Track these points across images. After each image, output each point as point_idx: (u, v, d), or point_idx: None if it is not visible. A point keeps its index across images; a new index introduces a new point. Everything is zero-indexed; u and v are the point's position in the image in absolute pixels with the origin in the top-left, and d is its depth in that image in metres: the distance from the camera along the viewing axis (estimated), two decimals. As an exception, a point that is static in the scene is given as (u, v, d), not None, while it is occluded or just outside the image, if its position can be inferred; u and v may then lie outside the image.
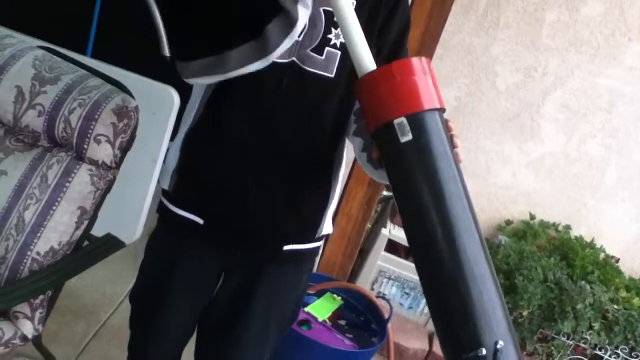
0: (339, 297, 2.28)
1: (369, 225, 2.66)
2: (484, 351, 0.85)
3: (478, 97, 2.98)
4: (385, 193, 2.75)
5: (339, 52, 1.13)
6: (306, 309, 2.14)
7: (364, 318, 2.24)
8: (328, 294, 2.27)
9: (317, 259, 2.58)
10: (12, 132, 1.49)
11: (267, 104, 1.15)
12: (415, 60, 0.94)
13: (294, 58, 1.12)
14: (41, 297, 1.42)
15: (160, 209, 1.31)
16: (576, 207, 3.00)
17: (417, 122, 0.91)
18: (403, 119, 0.90)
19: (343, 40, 1.08)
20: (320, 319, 2.13)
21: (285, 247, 1.27)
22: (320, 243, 1.36)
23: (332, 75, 1.13)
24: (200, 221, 1.24)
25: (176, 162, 1.25)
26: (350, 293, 2.30)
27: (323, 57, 1.12)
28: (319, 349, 2.00)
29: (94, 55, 2.72)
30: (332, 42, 1.13)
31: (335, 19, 1.04)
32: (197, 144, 1.22)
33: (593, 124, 2.91)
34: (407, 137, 0.90)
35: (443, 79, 2.83)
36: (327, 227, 1.33)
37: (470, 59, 2.92)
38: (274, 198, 1.20)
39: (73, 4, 2.76)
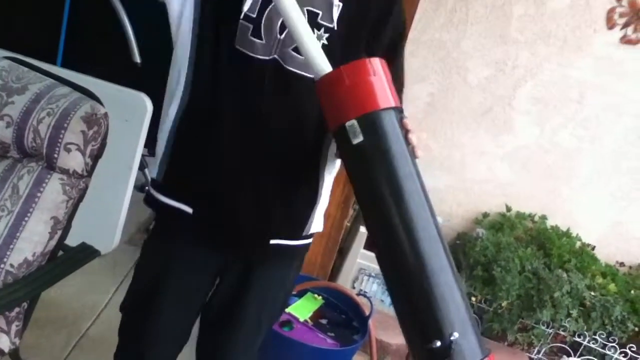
0: (320, 297, 2.29)
1: (347, 224, 2.67)
2: (438, 343, 0.89)
3: (451, 93, 3.01)
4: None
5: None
6: (287, 310, 2.15)
7: (345, 316, 2.25)
8: (309, 293, 2.28)
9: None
10: (-19, 144, 1.47)
11: (252, 103, 1.16)
12: (365, 62, 0.97)
13: (275, 56, 1.13)
14: (17, 309, 1.41)
15: (148, 201, 1.31)
16: (551, 198, 3.05)
17: (368, 123, 0.94)
18: (354, 122, 0.93)
19: (325, 42, 1.11)
20: (301, 319, 2.14)
21: (273, 242, 1.27)
22: (309, 240, 1.36)
23: (312, 75, 1.10)
24: (190, 210, 1.23)
25: (164, 149, 1.25)
26: (331, 292, 2.31)
27: (302, 55, 1.10)
28: (301, 349, 2.01)
29: (64, 65, 2.70)
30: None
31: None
32: (188, 134, 1.22)
33: (565, 114, 2.96)
34: (359, 138, 0.93)
35: (415, 76, 2.85)
36: (316, 225, 1.33)
37: (442, 54, 2.96)
38: (261, 193, 1.22)
39: (41, 14, 2.73)
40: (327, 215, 2.46)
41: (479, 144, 3.07)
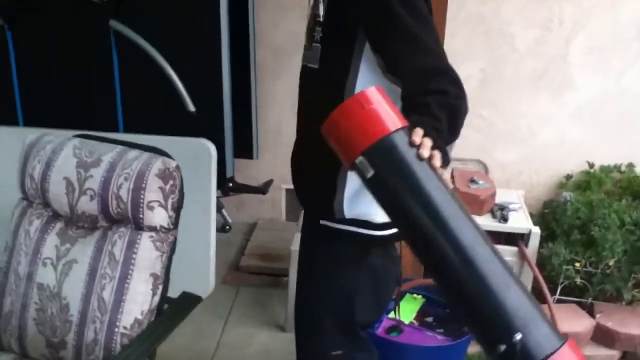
0: (419, 296, 2.26)
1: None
2: (502, 347, 0.86)
3: (502, 64, 2.94)
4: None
5: (319, 45, 1.29)
6: (390, 315, 2.13)
7: (449, 310, 2.21)
8: (407, 295, 2.26)
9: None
10: (72, 221, 1.56)
11: (299, 98, 1.43)
12: (353, 100, 0.95)
13: (306, 61, 1.35)
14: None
15: None
16: (632, 144, 2.90)
17: (374, 154, 0.92)
18: (361, 158, 0.92)
19: (320, 35, 1.28)
20: (407, 322, 2.12)
21: (322, 222, 1.41)
22: (354, 228, 1.38)
23: (317, 67, 1.30)
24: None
25: None
26: (429, 289, 2.27)
27: (311, 52, 1.31)
28: (414, 352, 1.99)
29: (127, 130, 2.84)
30: (315, 38, 1.29)
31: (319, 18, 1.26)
32: None
33: (626, 56, 2.82)
34: (370, 172, 0.93)
35: (461, 55, 2.80)
36: (352, 209, 1.36)
37: (484, 28, 2.90)
38: (298, 171, 1.46)
39: (95, 87, 2.88)
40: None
41: (542, 109, 2.97)
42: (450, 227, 0.91)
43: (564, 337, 0.90)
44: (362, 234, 1.39)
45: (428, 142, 0.94)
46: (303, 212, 1.59)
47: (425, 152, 0.93)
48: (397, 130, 0.94)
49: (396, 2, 1.15)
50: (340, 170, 1.33)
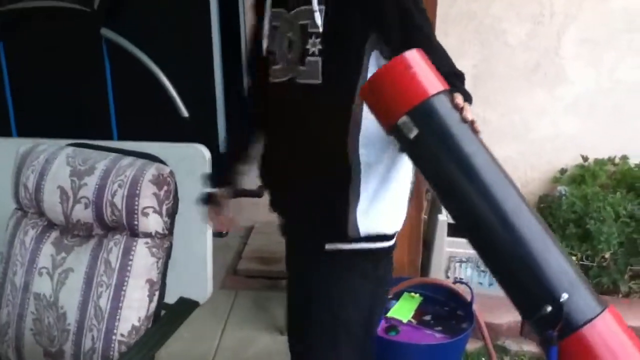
0: (417, 294, 2.26)
1: (425, 216, 2.64)
2: (549, 308, 0.86)
3: (494, 59, 2.94)
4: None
5: (319, 58, 1.19)
6: (388, 315, 2.14)
7: (447, 308, 2.21)
8: (405, 294, 2.26)
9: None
10: (67, 230, 1.56)
11: (285, 116, 1.30)
12: (397, 60, 0.97)
13: (290, 74, 1.24)
14: (137, 374, 1.47)
15: None
16: (627, 136, 2.91)
17: (418, 114, 0.94)
18: (404, 118, 0.94)
19: (319, 47, 1.18)
20: (405, 321, 2.12)
21: (328, 247, 1.30)
22: (367, 244, 1.30)
23: (319, 81, 1.20)
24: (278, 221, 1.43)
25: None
26: (427, 287, 2.28)
27: (305, 67, 1.21)
28: (412, 350, 1.99)
29: (121, 137, 2.84)
30: (310, 52, 1.20)
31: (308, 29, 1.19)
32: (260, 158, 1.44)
33: (619, 48, 2.83)
34: (414, 132, 0.94)
35: (452, 53, 2.79)
36: (366, 226, 1.27)
37: (475, 24, 2.90)
38: (299, 195, 1.31)
39: (89, 97, 2.88)
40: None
41: (536, 103, 2.98)
42: (495, 189, 0.92)
43: (605, 303, 0.89)
44: (376, 249, 1.32)
45: (469, 107, 0.97)
46: (289, 240, 1.47)
47: (469, 115, 0.96)
48: (440, 92, 0.96)
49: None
50: (353, 179, 1.24)
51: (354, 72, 1.19)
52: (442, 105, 0.95)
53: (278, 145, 1.35)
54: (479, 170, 0.92)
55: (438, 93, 0.96)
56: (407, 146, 0.98)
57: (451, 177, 0.94)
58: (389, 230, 1.33)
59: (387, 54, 1.16)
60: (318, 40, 1.19)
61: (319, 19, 1.18)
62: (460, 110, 0.97)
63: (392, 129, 0.97)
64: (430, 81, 0.97)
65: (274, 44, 1.28)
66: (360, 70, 1.19)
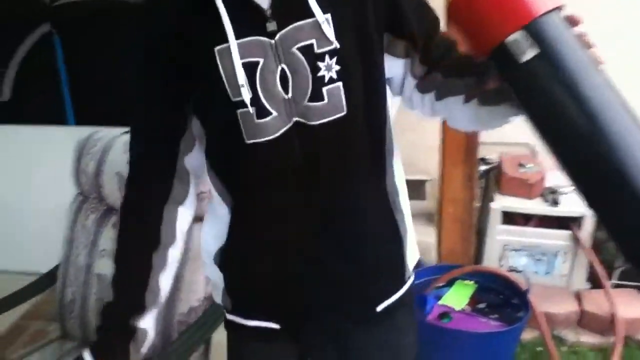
0: (472, 282, 2.23)
1: (477, 204, 2.60)
2: None
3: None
4: (482, 168, 2.68)
5: (340, 83, 0.92)
6: (440, 302, 2.11)
7: (503, 296, 2.17)
8: (458, 281, 2.23)
9: (434, 253, 2.53)
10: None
11: (290, 180, 0.96)
12: None
13: (295, 118, 0.92)
14: (195, 354, 1.50)
15: (229, 326, 1.13)
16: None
17: (532, 34, 0.77)
18: (516, 36, 0.77)
19: (337, 68, 0.91)
20: (457, 308, 2.09)
21: (378, 308, 1.07)
22: (410, 281, 1.12)
23: (345, 112, 0.93)
24: (277, 326, 1.07)
25: (223, 283, 1.09)
26: (481, 275, 2.24)
27: (326, 100, 0.92)
28: (467, 338, 1.96)
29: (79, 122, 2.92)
30: (327, 79, 0.91)
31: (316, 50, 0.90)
32: (234, 259, 1.06)
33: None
34: (526, 55, 0.77)
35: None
36: (412, 258, 1.12)
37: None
38: (334, 268, 1.01)
39: (41, 82, 2.95)
40: (453, 201, 2.43)
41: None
42: (620, 124, 0.75)
43: None
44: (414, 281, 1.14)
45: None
46: (303, 344, 1.11)
47: (590, 39, 0.79)
48: (558, 7, 0.79)
49: None
50: (397, 212, 1.05)
51: (381, 85, 0.98)
52: (560, 26, 0.78)
53: (281, 218, 0.99)
54: (603, 108, 0.75)
55: (553, 10, 0.78)
56: (513, 72, 0.79)
57: (567, 114, 0.76)
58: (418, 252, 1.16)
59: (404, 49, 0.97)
60: (334, 60, 0.90)
61: (330, 32, 0.90)
62: (580, 34, 0.79)
63: (495, 51, 0.79)
64: None
65: (256, 89, 0.90)
66: (382, 78, 0.98)
